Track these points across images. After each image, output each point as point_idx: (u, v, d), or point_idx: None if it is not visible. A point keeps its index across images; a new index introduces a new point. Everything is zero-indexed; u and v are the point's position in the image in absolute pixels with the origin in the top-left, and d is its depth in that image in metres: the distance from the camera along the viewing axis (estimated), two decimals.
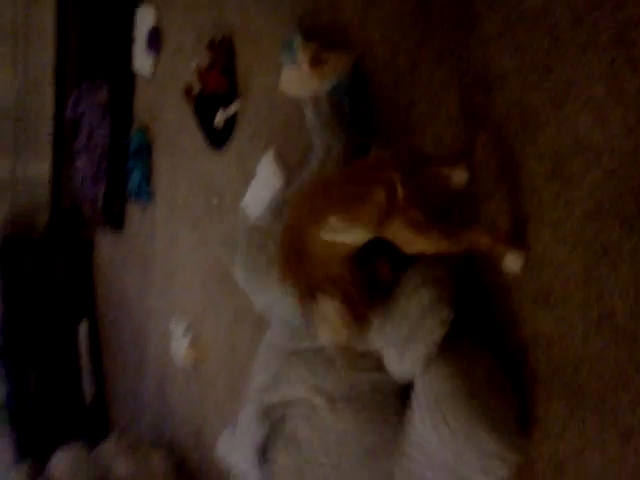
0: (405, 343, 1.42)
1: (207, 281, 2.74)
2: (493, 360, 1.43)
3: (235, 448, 1.80)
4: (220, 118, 2.35)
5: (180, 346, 2.92)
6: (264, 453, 1.61)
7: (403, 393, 1.52)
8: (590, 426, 1.26)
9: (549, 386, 1.33)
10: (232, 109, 2.33)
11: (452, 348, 1.42)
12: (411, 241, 1.33)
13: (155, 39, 2.93)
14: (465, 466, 1.34)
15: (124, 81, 3.30)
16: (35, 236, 4.20)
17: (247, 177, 2.33)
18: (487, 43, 1.43)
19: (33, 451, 3.85)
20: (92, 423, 4.29)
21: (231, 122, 2.39)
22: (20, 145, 3.81)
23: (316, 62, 1.83)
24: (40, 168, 3.98)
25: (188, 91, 2.40)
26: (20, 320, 4.26)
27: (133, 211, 3.52)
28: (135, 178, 3.22)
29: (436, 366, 1.37)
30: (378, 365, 1.55)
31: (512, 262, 1.38)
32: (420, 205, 1.31)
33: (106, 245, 4.03)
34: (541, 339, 1.35)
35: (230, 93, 2.32)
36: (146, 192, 3.20)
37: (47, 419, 4.30)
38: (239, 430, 1.75)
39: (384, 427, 1.52)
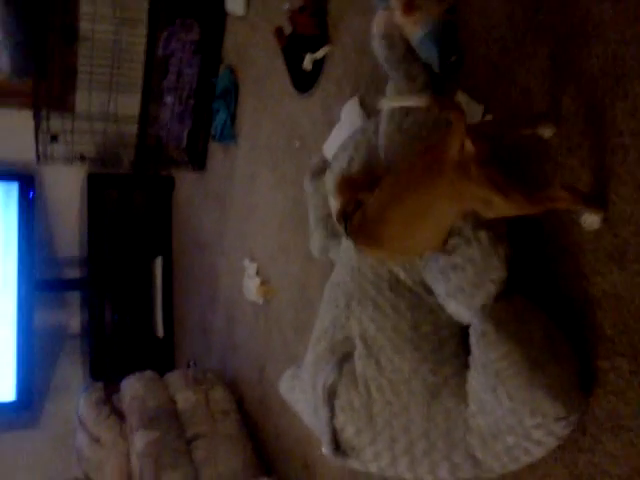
0: (472, 286, 1.46)
1: (283, 222, 2.81)
2: (550, 322, 1.44)
3: (300, 385, 1.85)
4: (308, 61, 2.38)
5: (252, 283, 3.03)
6: (332, 393, 1.66)
7: (463, 335, 1.56)
8: None
9: (615, 345, 1.34)
10: (321, 52, 2.36)
11: (507, 310, 1.44)
12: (490, 203, 1.31)
13: None
14: (525, 425, 1.37)
15: (216, 20, 3.35)
16: (121, 172, 4.35)
17: (331, 122, 2.37)
18: None
19: (105, 377, 4.08)
20: (162, 355, 4.52)
21: (319, 66, 2.41)
22: (113, 81, 3.93)
23: (409, 7, 1.82)
24: (130, 105, 4.09)
25: (279, 32, 2.44)
26: (103, 253, 4.48)
27: (216, 151, 3.61)
28: (220, 119, 3.30)
29: (492, 333, 1.39)
30: (434, 308, 1.60)
31: (591, 220, 1.37)
32: (496, 164, 1.30)
33: (187, 184, 4.17)
34: (611, 297, 1.34)
35: (320, 36, 2.35)
36: (230, 133, 3.27)
37: (120, 349, 4.54)
38: (306, 366, 1.81)
39: (446, 368, 1.55)
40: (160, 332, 4.55)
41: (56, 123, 3.68)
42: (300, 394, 1.85)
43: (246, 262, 3.14)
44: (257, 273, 3.05)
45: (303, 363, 1.85)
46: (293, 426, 2.78)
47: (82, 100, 4.02)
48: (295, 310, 2.72)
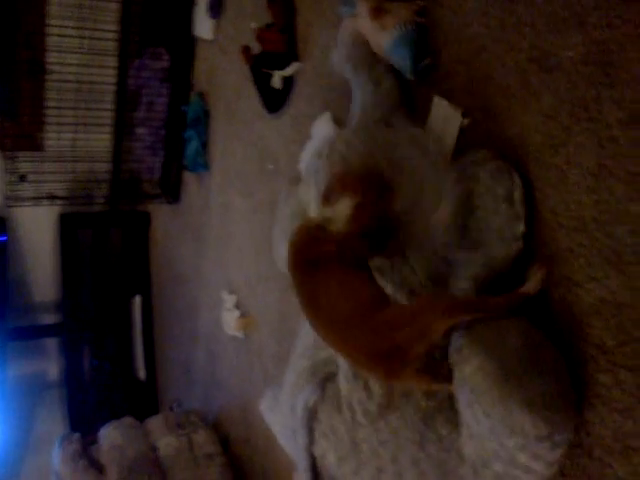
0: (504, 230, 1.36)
1: (260, 249, 2.69)
2: (533, 329, 1.31)
3: (279, 407, 1.74)
4: (277, 78, 2.29)
5: (231, 316, 2.89)
6: (312, 413, 1.52)
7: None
8: None
9: (617, 357, 1.21)
10: (291, 69, 2.26)
11: (484, 320, 1.31)
12: None
13: (217, 3, 2.90)
14: (507, 448, 1.23)
15: (185, 47, 3.27)
16: (94, 210, 4.24)
17: (303, 141, 2.26)
18: None
19: (85, 427, 3.90)
20: (145, 399, 4.34)
21: (289, 84, 2.32)
22: (82, 116, 3.83)
23: (378, 12, 1.73)
24: (101, 140, 4.00)
25: (245, 50, 2.35)
26: (79, 295, 4.33)
27: (189, 182, 3.51)
28: (192, 148, 3.19)
29: (466, 347, 1.26)
30: None
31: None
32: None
33: (162, 218, 4.05)
34: (610, 304, 1.22)
35: (289, 53, 2.26)
36: (202, 162, 3.17)
37: (100, 396, 4.38)
38: (285, 387, 1.68)
39: (439, 393, 1.42)
40: (142, 375, 4.38)
41: (25, 164, 3.58)
42: (279, 416, 1.72)
43: (224, 295, 3.00)
44: (236, 305, 2.91)
45: (282, 383, 1.72)
46: (280, 466, 2.62)
47: (51, 138, 3.91)
48: (276, 341, 2.58)
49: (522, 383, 1.20)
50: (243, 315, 2.84)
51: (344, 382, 1.50)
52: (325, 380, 1.55)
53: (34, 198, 3.59)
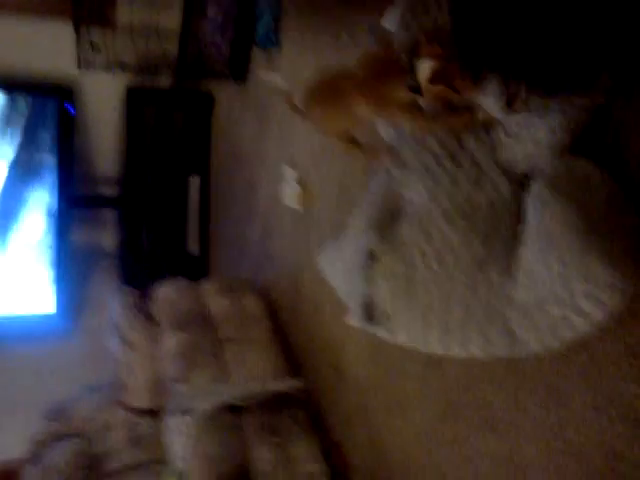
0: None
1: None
2: (619, 191, 1.35)
3: (341, 254, 1.81)
4: None
5: (291, 188, 3.00)
6: (372, 257, 1.61)
7: (518, 213, 1.49)
8: None
9: None
10: None
11: (569, 172, 1.37)
12: None
13: None
14: (575, 293, 1.30)
15: None
16: (160, 86, 4.32)
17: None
18: None
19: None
20: (196, 275, 4.53)
21: None
22: None
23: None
24: (172, 18, 4.04)
25: None
26: (140, 171, 4.47)
27: (259, 60, 3.54)
28: (263, 23, 3.21)
29: (550, 196, 1.31)
30: (497, 183, 1.55)
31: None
32: None
33: (227, 98, 4.11)
34: None
35: None
36: (274, 38, 3.19)
37: (154, 268, 4.58)
38: (350, 229, 1.77)
39: (497, 242, 1.50)
40: (195, 251, 4.57)
41: (97, 35, 3.67)
42: (339, 262, 1.81)
43: (285, 168, 3.09)
44: (297, 181, 3.01)
45: (347, 231, 1.81)
46: (325, 329, 2.78)
47: (123, 15, 3.97)
48: (336, 212, 2.67)
49: (603, 235, 1.25)
50: (303, 187, 2.94)
51: (405, 226, 1.60)
52: (389, 224, 1.64)
53: (106, 66, 3.70)
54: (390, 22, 1.86)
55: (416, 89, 1.47)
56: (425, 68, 1.41)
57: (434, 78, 1.40)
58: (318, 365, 2.88)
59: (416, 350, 1.62)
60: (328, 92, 1.77)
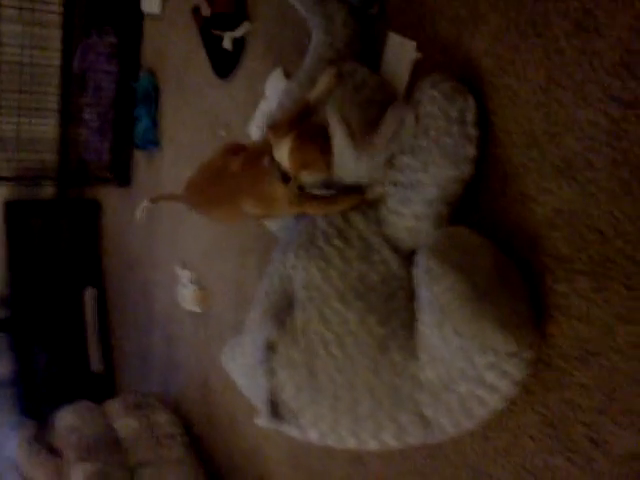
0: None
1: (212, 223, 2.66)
2: (498, 251, 1.34)
3: (242, 350, 1.72)
4: (228, 40, 2.27)
5: (187, 291, 2.85)
6: (271, 348, 1.53)
7: (412, 289, 1.44)
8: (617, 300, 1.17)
9: (574, 263, 1.23)
10: (241, 30, 2.25)
11: (452, 241, 1.34)
12: None
13: None
14: (477, 366, 1.25)
15: (132, 24, 3.22)
16: (43, 198, 4.14)
17: (255, 102, 2.25)
18: None
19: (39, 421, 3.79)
20: (101, 394, 4.23)
21: (239, 45, 2.31)
22: (25, 105, 3.75)
23: None
24: (47, 127, 3.92)
25: (195, 11, 2.33)
26: (28, 288, 4.20)
27: (139, 162, 3.45)
28: (142, 125, 3.14)
29: (437, 267, 1.27)
30: (386, 258, 1.50)
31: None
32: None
33: (112, 202, 3.96)
34: (564, 213, 1.24)
35: (238, 13, 2.24)
36: (153, 139, 3.12)
37: (54, 393, 4.24)
38: (248, 326, 1.69)
39: (394, 320, 1.43)
40: (100, 368, 4.27)
41: None
42: (241, 359, 1.71)
43: (178, 270, 2.95)
44: (192, 280, 2.87)
45: (244, 327, 1.71)
46: (245, 439, 2.59)
47: None
48: (234, 311, 2.56)
49: (493, 302, 1.22)
50: (199, 288, 2.80)
51: (300, 312, 1.52)
52: (285, 314, 1.56)
53: None
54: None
55: (286, 178, 1.46)
56: (283, 149, 1.46)
57: (291, 153, 1.44)
58: (244, 478, 2.66)
59: (333, 447, 1.52)
60: (213, 185, 1.74)
